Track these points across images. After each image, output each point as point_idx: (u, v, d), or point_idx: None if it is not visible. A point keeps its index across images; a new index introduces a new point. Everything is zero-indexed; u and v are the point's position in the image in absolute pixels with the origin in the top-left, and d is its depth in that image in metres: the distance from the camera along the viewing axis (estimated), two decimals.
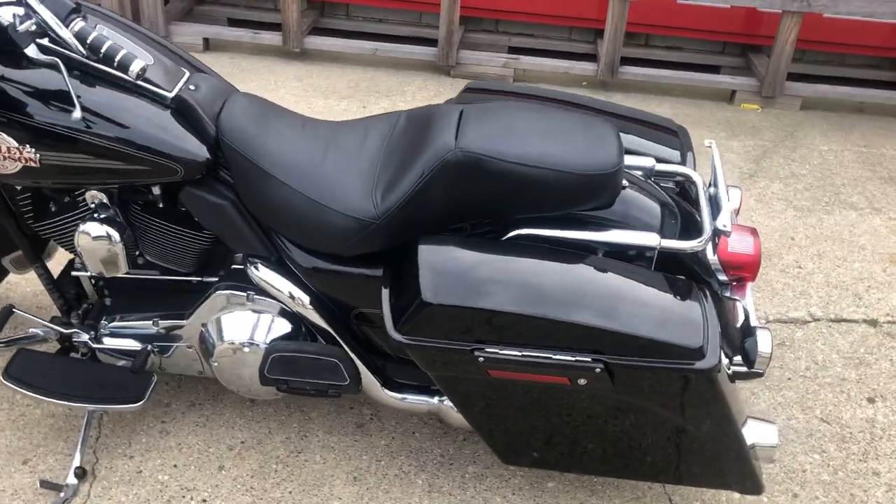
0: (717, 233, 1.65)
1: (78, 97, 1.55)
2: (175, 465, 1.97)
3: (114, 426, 2.06)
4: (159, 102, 1.68)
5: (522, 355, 1.51)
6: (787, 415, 2.24)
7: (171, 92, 1.68)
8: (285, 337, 1.81)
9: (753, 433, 1.81)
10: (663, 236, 1.67)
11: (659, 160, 1.87)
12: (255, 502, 1.90)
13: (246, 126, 1.73)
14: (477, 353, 1.52)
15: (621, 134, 1.73)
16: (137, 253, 1.86)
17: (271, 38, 4.18)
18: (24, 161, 1.61)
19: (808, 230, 3.07)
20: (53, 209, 1.82)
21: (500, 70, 4.16)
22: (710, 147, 1.91)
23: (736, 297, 1.76)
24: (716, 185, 1.77)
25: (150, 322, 1.90)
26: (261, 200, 1.71)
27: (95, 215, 1.77)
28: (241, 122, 1.73)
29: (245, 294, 1.81)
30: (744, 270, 1.76)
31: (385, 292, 1.63)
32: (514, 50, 4.38)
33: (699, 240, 1.64)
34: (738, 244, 1.76)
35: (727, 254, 1.75)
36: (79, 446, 1.91)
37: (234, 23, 4.47)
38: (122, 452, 1.99)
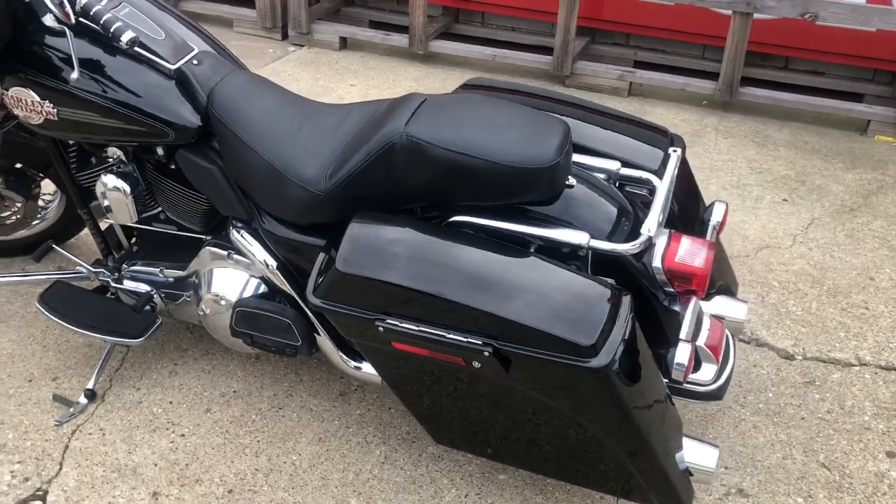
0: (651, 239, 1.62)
1: (80, 60, 1.80)
2: (171, 402, 2.20)
3: (134, 362, 2.32)
4: (162, 73, 1.90)
5: (419, 330, 1.57)
6: (784, 454, 2.10)
7: (173, 64, 1.90)
8: (253, 295, 1.98)
9: (690, 454, 1.75)
10: (608, 239, 1.66)
11: (629, 164, 1.85)
12: (226, 444, 2.08)
13: (234, 99, 1.91)
14: (378, 324, 1.60)
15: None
16: (160, 209, 2.11)
17: (399, 40, 4.41)
18: (44, 114, 1.90)
19: (894, 273, 2.82)
20: (93, 161, 2.11)
21: (614, 82, 4.14)
22: (676, 152, 1.85)
23: (674, 308, 1.72)
24: (663, 192, 1.72)
25: (158, 270, 2.14)
26: (236, 166, 1.89)
27: (114, 169, 2.03)
28: (231, 96, 1.91)
29: (226, 252, 2.00)
30: (690, 283, 1.70)
31: (318, 259, 1.75)
32: (639, 64, 4.32)
33: (631, 244, 1.63)
34: (687, 255, 1.71)
35: (673, 263, 1.71)
36: (95, 372, 2.19)
37: (375, 25, 4.75)
38: (132, 384, 2.25)
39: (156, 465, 2.02)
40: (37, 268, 2.52)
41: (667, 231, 1.76)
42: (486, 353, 1.55)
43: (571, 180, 1.75)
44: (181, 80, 1.91)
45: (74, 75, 1.80)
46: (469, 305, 1.54)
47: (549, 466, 1.77)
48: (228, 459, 2.03)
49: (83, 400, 2.15)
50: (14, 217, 2.48)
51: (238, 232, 1.95)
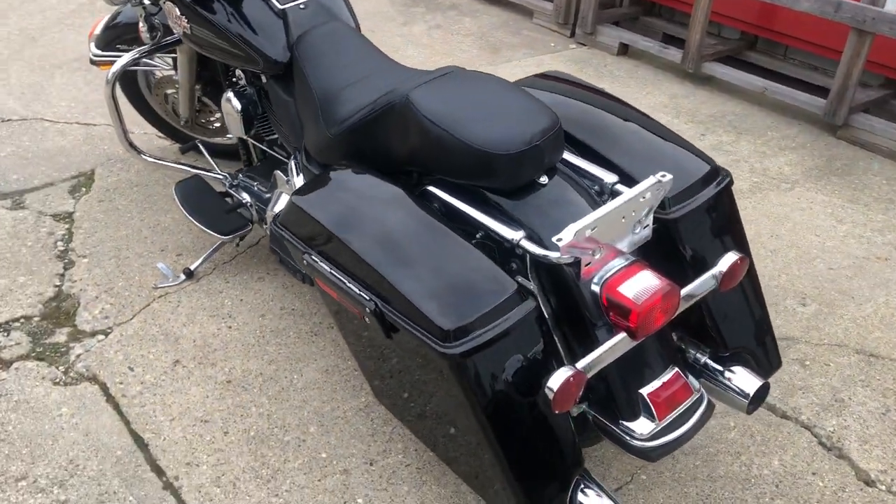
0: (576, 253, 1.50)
1: None
2: (241, 300, 2.52)
3: (241, 261, 2.69)
4: (271, 10, 2.18)
5: (329, 272, 1.66)
6: None
7: (282, 5, 2.17)
8: None
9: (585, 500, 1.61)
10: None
11: (626, 180, 1.71)
12: (254, 345, 2.35)
13: (317, 44, 2.12)
14: (305, 257, 1.72)
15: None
16: (265, 130, 2.42)
17: (674, 55, 4.26)
18: (182, 28, 2.29)
19: None
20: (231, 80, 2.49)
21: (893, 144, 3.58)
22: (665, 177, 1.64)
23: (602, 338, 1.57)
24: (613, 205, 1.56)
25: (256, 185, 2.46)
26: (298, 101, 2.11)
27: (234, 88, 2.38)
28: (315, 41, 2.13)
29: (286, 179, 2.23)
30: (627, 319, 1.53)
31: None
32: None
33: (555, 253, 1.53)
34: (632, 288, 1.54)
35: (613, 292, 1.56)
36: (202, 258, 2.59)
37: (668, 38, 4.64)
38: (225, 277, 2.61)
39: (194, 341, 2.34)
40: (194, 162, 2.94)
41: (630, 258, 1.61)
42: (368, 310, 1.58)
43: (544, 178, 1.68)
44: (284, 20, 2.16)
45: None
46: (366, 261, 1.59)
47: (436, 447, 1.74)
48: (247, 358, 2.29)
49: (181, 276, 2.56)
50: (216, 123, 2.97)
51: (294, 159, 2.17)
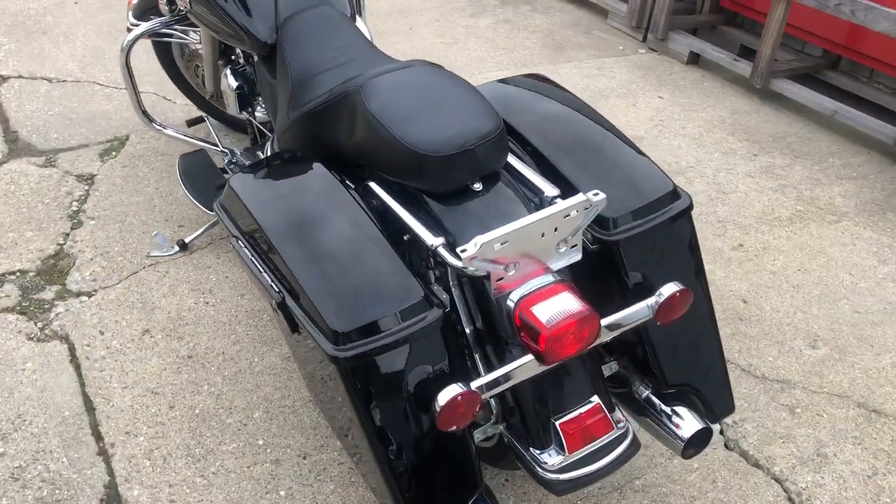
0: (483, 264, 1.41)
1: None
2: (227, 277, 2.54)
3: None
4: None
5: (247, 256, 1.63)
6: None
7: None
8: None
9: None
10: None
11: (571, 193, 1.61)
12: (225, 324, 2.36)
13: (301, 27, 2.10)
14: (232, 241, 1.70)
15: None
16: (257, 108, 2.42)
17: (743, 68, 4.04)
18: (185, 4, 2.31)
19: None
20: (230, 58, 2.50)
21: None
22: (598, 196, 1.51)
23: (507, 356, 1.49)
24: (530, 219, 1.45)
25: (249, 163, 2.46)
26: (276, 84, 2.09)
27: (232, 66, 2.39)
28: (300, 24, 2.10)
29: None
30: (536, 342, 1.44)
31: None
32: None
33: (457, 259, 1.44)
34: (546, 310, 1.45)
35: (526, 311, 1.47)
36: (198, 231, 2.62)
37: (747, 51, 4.40)
38: (217, 252, 2.64)
39: (168, 313, 2.38)
40: (202, 135, 2.95)
41: (555, 278, 1.51)
42: (275, 303, 1.55)
43: (478, 185, 1.60)
44: (275, 1, 2.15)
45: None
46: (279, 251, 1.55)
47: (349, 453, 1.69)
48: (214, 336, 2.30)
49: (175, 247, 2.60)
50: None
51: (268, 144, 2.16)
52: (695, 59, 4.32)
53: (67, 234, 2.65)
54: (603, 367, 1.76)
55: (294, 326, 1.52)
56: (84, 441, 1.98)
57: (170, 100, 3.45)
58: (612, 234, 1.59)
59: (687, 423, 1.67)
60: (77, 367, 2.17)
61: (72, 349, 2.23)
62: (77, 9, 4.27)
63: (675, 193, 1.66)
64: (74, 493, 1.86)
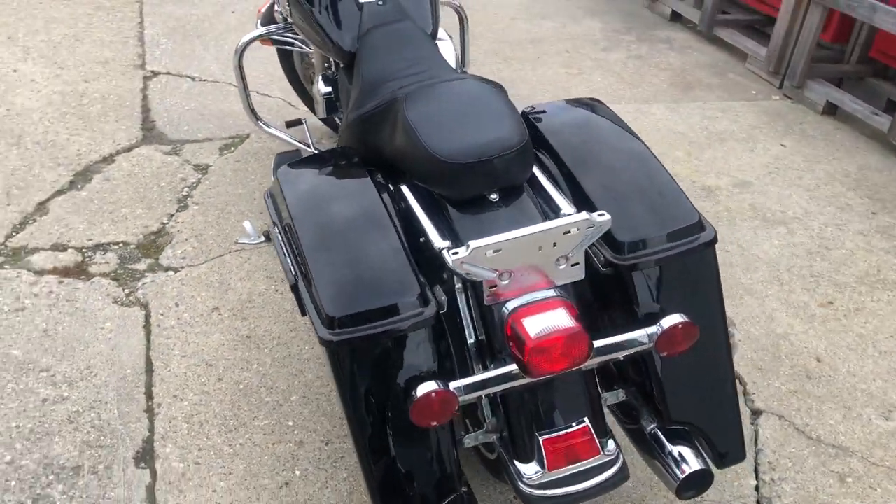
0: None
1: None
2: None
3: None
4: (353, 2, 2.31)
5: (279, 242, 1.75)
6: None
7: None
8: None
9: None
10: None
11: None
12: (292, 309, 2.50)
13: (379, 40, 2.21)
14: (271, 228, 1.82)
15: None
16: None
17: (882, 122, 3.82)
18: (284, 10, 2.49)
19: None
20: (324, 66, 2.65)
21: None
22: (603, 216, 1.50)
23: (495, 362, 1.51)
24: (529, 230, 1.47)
25: None
26: (350, 92, 2.21)
27: (324, 73, 2.54)
28: (379, 36, 2.22)
29: None
30: (521, 353, 1.45)
31: None
32: None
33: (452, 252, 1.46)
34: (534, 321, 1.47)
35: (517, 321, 1.49)
36: None
37: (894, 105, 4.15)
38: None
39: (240, 295, 2.56)
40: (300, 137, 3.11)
41: (555, 293, 1.53)
42: (290, 284, 1.65)
43: (495, 196, 1.64)
44: (361, 13, 2.28)
45: None
46: (299, 237, 1.65)
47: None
48: (275, 321, 2.46)
49: (262, 237, 2.77)
50: None
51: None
52: (831, 110, 4.11)
53: (172, 216, 2.90)
54: (609, 394, 1.74)
55: (303, 310, 1.62)
56: (136, 398, 2.16)
57: (294, 105, 3.69)
58: (624, 258, 1.58)
59: (686, 462, 1.62)
60: (147, 333, 2.37)
61: (147, 316, 2.43)
62: (233, 17, 4.64)
63: (699, 225, 1.63)
64: (116, 442, 2.03)
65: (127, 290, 2.53)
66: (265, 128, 2.92)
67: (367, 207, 1.67)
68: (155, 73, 3.94)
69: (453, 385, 1.46)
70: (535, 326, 1.45)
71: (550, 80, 4.21)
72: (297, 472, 1.98)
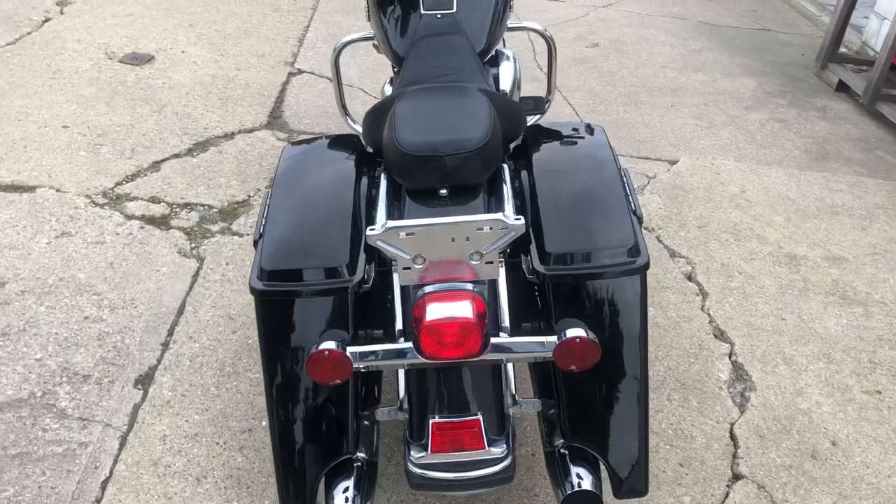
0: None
1: None
2: None
3: None
4: (416, 13, 2.48)
5: (262, 205, 1.94)
6: None
7: (425, 10, 2.46)
8: None
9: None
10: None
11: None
12: None
13: (426, 48, 2.36)
14: (265, 191, 2.03)
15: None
16: None
17: None
18: (365, 13, 2.70)
19: None
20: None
21: None
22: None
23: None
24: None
25: None
26: None
27: (391, 77, 2.73)
28: (428, 45, 2.37)
29: None
30: (416, 332, 1.54)
31: None
32: None
33: (371, 228, 1.57)
34: (437, 307, 1.53)
35: (421, 304, 1.57)
36: None
37: None
38: None
39: None
40: None
41: (470, 287, 1.59)
42: (254, 240, 1.83)
43: (444, 191, 1.74)
44: (419, 23, 2.45)
45: None
46: (269, 199, 1.83)
47: None
48: None
49: None
50: None
51: None
52: None
53: (259, 191, 3.20)
54: (526, 401, 1.76)
55: None
56: (159, 332, 2.43)
57: None
58: (547, 268, 1.62)
59: (575, 480, 1.62)
60: (193, 282, 2.65)
61: (199, 268, 2.72)
62: None
63: (634, 250, 1.63)
64: (126, 363, 2.31)
65: (193, 245, 2.83)
66: (352, 124, 3.15)
67: (337, 186, 1.82)
68: (300, 71, 4.32)
69: (350, 349, 1.56)
70: (434, 311, 1.52)
71: (673, 128, 4.16)
72: (263, 423, 2.14)
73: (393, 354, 1.57)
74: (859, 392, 2.49)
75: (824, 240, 3.31)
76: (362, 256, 1.67)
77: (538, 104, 2.91)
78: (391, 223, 1.51)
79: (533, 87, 4.17)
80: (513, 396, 1.74)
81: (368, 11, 2.62)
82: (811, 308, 2.86)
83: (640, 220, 1.81)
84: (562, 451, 1.68)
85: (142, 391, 2.22)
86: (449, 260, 1.56)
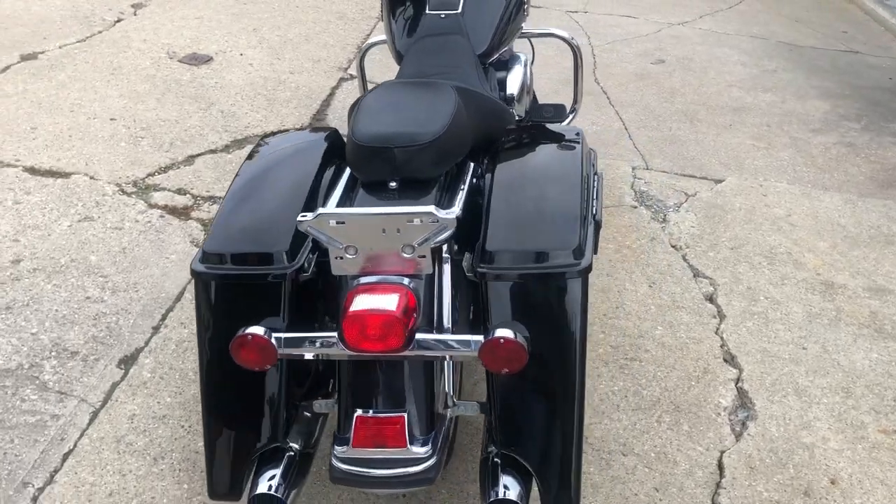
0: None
1: None
2: None
3: None
4: (420, 12, 2.47)
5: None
6: None
7: (428, 10, 2.45)
8: None
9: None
10: None
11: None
12: None
13: (425, 46, 2.35)
14: None
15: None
16: None
17: None
18: (380, 13, 2.71)
19: None
20: None
21: None
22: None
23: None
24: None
25: None
26: None
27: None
28: (427, 43, 2.36)
29: None
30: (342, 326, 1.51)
31: None
32: None
33: (302, 216, 1.54)
34: (364, 298, 1.50)
35: (349, 295, 1.55)
36: None
37: None
38: None
39: None
40: None
41: (402, 282, 1.55)
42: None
43: (393, 183, 1.71)
44: (424, 22, 2.45)
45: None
46: (232, 182, 1.85)
47: None
48: None
49: None
50: None
51: None
52: None
53: None
54: (463, 403, 1.70)
55: None
56: (153, 316, 2.48)
57: None
58: (482, 266, 1.57)
59: (501, 489, 1.55)
60: None
61: None
62: None
63: (577, 252, 1.56)
64: (115, 343, 2.36)
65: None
66: None
67: (297, 175, 1.81)
68: (352, 77, 4.37)
69: (276, 335, 1.55)
70: (360, 302, 1.50)
71: (727, 147, 3.99)
72: None
73: (317, 343, 1.55)
74: (875, 430, 2.29)
75: (870, 269, 3.09)
76: (307, 246, 1.65)
77: (559, 112, 2.85)
78: (322, 210, 1.49)
79: (587, 100, 4.07)
80: (450, 397, 1.68)
81: (381, 10, 2.63)
82: (839, 339, 2.66)
83: (598, 224, 1.73)
84: (495, 458, 1.61)
85: (123, 371, 2.27)
86: (381, 252, 1.53)
